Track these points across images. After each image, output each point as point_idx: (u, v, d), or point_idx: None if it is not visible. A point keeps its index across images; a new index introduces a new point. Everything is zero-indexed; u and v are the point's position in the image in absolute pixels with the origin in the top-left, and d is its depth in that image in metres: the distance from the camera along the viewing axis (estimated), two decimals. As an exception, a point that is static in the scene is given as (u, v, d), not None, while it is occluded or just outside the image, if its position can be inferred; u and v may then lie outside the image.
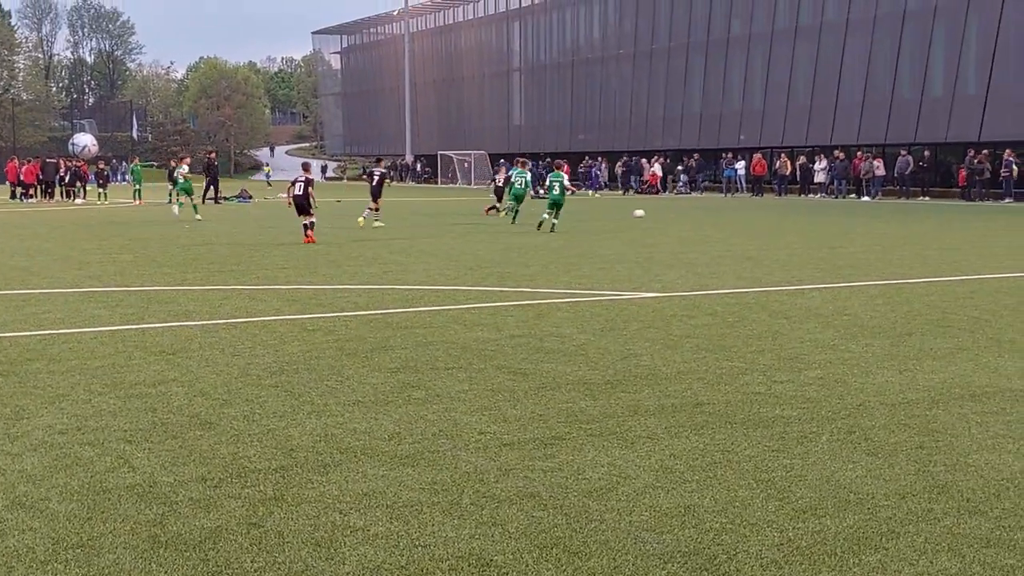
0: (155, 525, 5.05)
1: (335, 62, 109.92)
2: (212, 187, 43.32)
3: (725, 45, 59.77)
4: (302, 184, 23.21)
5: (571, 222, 28.78)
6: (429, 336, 10.37)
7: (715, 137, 59.88)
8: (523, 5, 78.63)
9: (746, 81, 58.76)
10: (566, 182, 26.84)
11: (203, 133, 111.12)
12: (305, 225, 22.60)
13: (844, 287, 14.57)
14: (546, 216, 26.10)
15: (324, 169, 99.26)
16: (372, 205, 27.98)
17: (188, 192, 32.38)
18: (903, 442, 6.49)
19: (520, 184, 29.84)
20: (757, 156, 53.73)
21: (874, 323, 11.22)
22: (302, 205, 23.01)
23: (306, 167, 24.16)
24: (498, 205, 33.18)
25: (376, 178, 28.81)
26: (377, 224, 27.22)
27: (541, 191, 32.01)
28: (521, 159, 33.55)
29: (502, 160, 50.19)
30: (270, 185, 69.41)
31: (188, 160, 34.05)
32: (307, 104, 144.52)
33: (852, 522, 5.08)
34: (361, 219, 27.64)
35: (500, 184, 35.14)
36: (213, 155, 47.04)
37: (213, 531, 4.97)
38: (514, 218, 28.89)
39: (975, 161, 44.31)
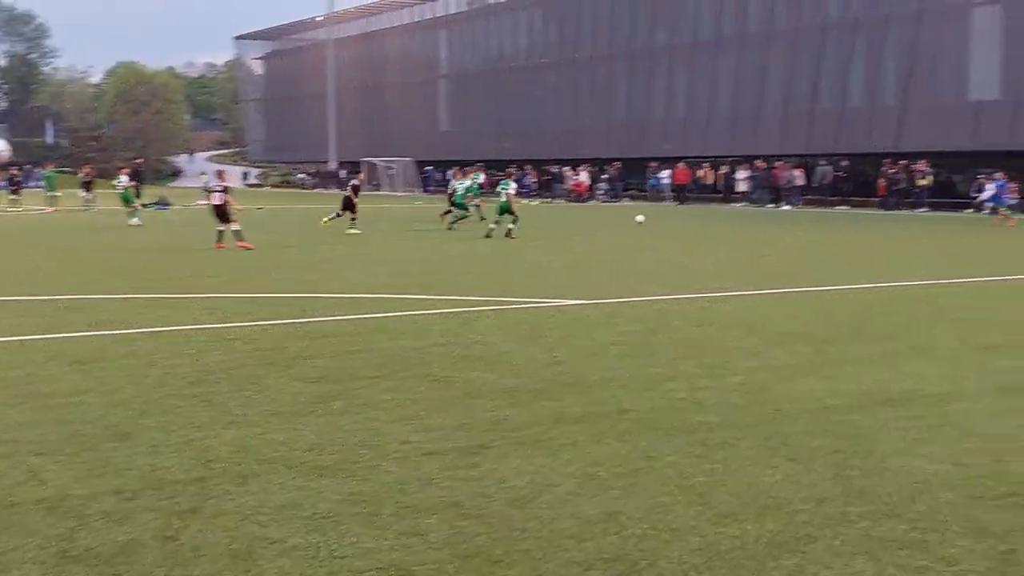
0: (65, 540, 4.91)
1: (257, 67, 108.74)
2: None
3: (649, 55, 60.31)
4: (219, 193, 23.18)
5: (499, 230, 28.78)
6: (352, 345, 10.27)
7: (640, 146, 60.34)
8: (449, 13, 78.59)
9: (670, 91, 59.34)
10: (511, 190, 26.90)
11: (120, 139, 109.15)
12: (220, 231, 22.51)
13: (767, 294, 14.75)
14: (494, 225, 26.22)
15: (245, 176, 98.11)
16: (352, 216, 28.77)
17: (127, 201, 33.01)
18: (822, 447, 6.56)
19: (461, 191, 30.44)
20: (680, 165, 54.28)
21: (796, 330, 11.37)
22: (223, 214, 22.99)
23: (220, 175, 24.12)
24: (466, 212, 32.47)
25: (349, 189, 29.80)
26: (353, 231, 28.05)
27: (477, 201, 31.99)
28: (474, 167, 34.19)
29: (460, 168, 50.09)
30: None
31: (127, 170, 34.66)
32: (228, 110, 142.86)
33: (771, 527, 5.12)
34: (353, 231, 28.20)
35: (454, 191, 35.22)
36: (140, 162, 46.62)
37: (126, 545, 4.85)
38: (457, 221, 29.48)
39: (893, 172, 45.25)
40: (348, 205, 29.01)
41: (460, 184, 30.88)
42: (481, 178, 33.23)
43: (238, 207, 23.58)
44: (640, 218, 32.74)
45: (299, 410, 7.53)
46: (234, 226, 22.61)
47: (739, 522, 5.17)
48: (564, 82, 66.35)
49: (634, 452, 6.43)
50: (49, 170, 47.89)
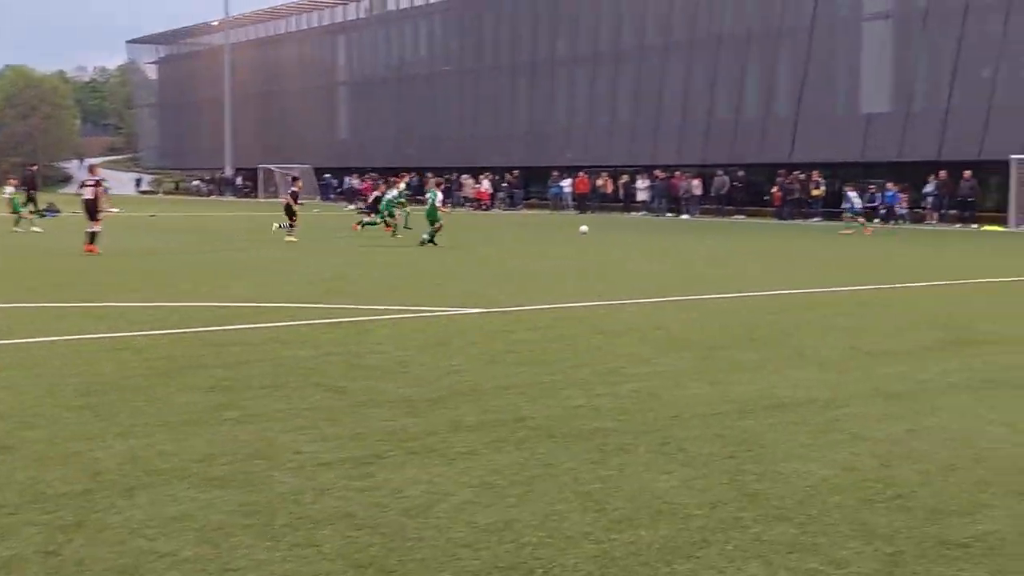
0: (-59, 558, 4.73)
1: (151, 72, 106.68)
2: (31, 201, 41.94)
3: (551, 65, 60.74)
4: (91, 187, 22.60)
5: (406, 239, 28.69)
6: (246, 354, 10.11)
7: (542, 155, 60.72)
8: (348, 19, 78.07)
9: (571, 101, 59.82)
10: (438, 201, 27.11)
11: (8, 145, 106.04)
12: (89, 233, 21.96)
13: (661, 302, 14.94)
14: (426, 236, 26.52)
15: (138, 182, 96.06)
16: (291, 223, 28.35)
17: (16, 209, 33.17)
18: (715, 452, 6.66)
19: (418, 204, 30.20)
20: (581, 175, 54.75)
21: (687, 337, 11.53)
22: (91, 210, 22.42)
23: (93, 169, 23.67)
24: (385, 221, 31.87)
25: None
26: (291, 239, 27.51)
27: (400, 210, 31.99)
28: (399, 176, 34.36)
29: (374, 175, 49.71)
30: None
31: (15, 179, 34.39)
32: (121, 115, 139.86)
33: (665, 532, 5.17)
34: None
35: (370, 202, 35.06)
36: (35, 168, 45.55)
37: (7, 561, 4.69)
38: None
39: (787, 182, 46.31)
40: (289, 212, 28.78)
41: (388, 193, 30.82)
42: (400, 186, 33.08)
43: (109, 207, 23.29)
44: (584, 228, 33.07)
45: (191, 420, 7.39)
46: (95, 227, 22.07)
47: (634, 528, 5.22)
48: (466, 90, 66.45)
49: (531, 460, 6.44)
50: None
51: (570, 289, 16.51)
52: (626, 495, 5.74)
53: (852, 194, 36.37)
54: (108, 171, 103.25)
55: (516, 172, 59.42)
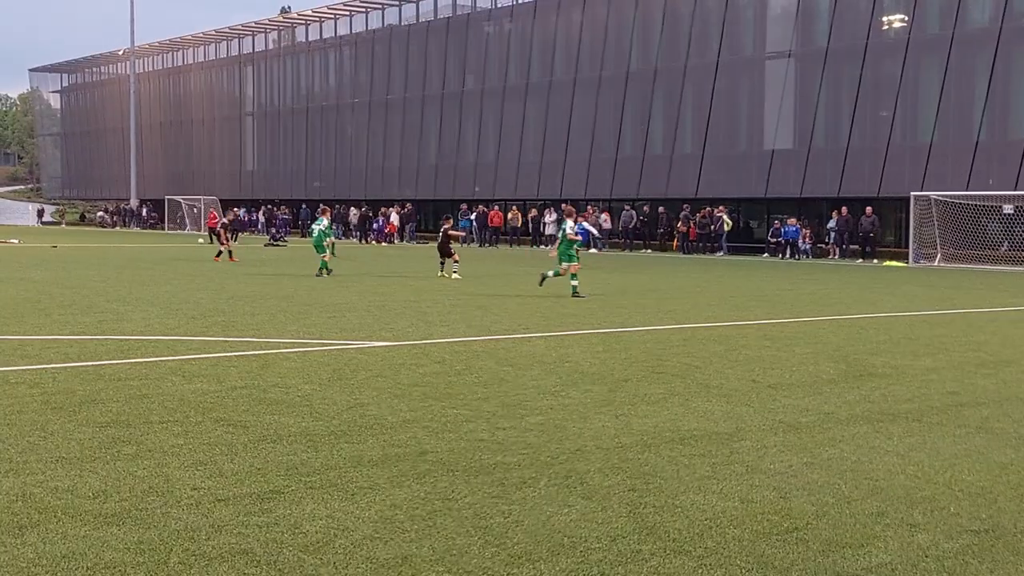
0: None
1: (54, 101, 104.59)
2: None
3: (459, 99, 61.06)
4: None
5: (302, 271, 28.42)
6: (144, 389, 9.90)
7: (451, 188, 60.87)
8: (255, 50, 77.57)
9: (481, 134, 60.16)
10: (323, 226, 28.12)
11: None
12: None
13: (567, 335, 15.02)
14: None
15: (40, 213, 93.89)
16: (453, 258, 27.24)
17: None
18: (616, 485, 6.70)
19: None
20: (495, 208, 54.95)
21: (594, 370, 11.61)
22: None
23: None
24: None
25: (441, 235, 27.84)
26: (455, 276, 26.57)
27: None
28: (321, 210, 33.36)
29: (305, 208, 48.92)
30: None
31: None
32: (23, 144, 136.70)
33: (565, 566, 5.17)
34: (454, 275, 26.67)
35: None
36: None
37: None
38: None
39: (700, 216, 47.09)
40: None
41: (315, 225, 29.76)
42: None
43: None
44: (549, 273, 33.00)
45: (85, 456, 7.20)
46: None
47: (533, 562, 5.21)
48: (375, 123, 66.43)
49: (432, 494, 6.41)
50: None
51: (475, 322, 16.51)
52: (526, 529, 5.74)
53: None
54: (8, 201, 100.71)
55: (409, 206, 59.73)
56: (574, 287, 21.48)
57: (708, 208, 47.50)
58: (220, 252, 33.91)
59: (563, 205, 32.27)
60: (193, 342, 13.50)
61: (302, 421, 8.53)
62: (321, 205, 38.25)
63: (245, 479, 6.69)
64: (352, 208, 60.20)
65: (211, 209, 56.51)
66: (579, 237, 22.81)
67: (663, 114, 51.53)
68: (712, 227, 46.56)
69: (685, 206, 48.30)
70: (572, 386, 10.48)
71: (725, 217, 46.00)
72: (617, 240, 50.38)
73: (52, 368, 11.07)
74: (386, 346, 13.46)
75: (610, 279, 28.90)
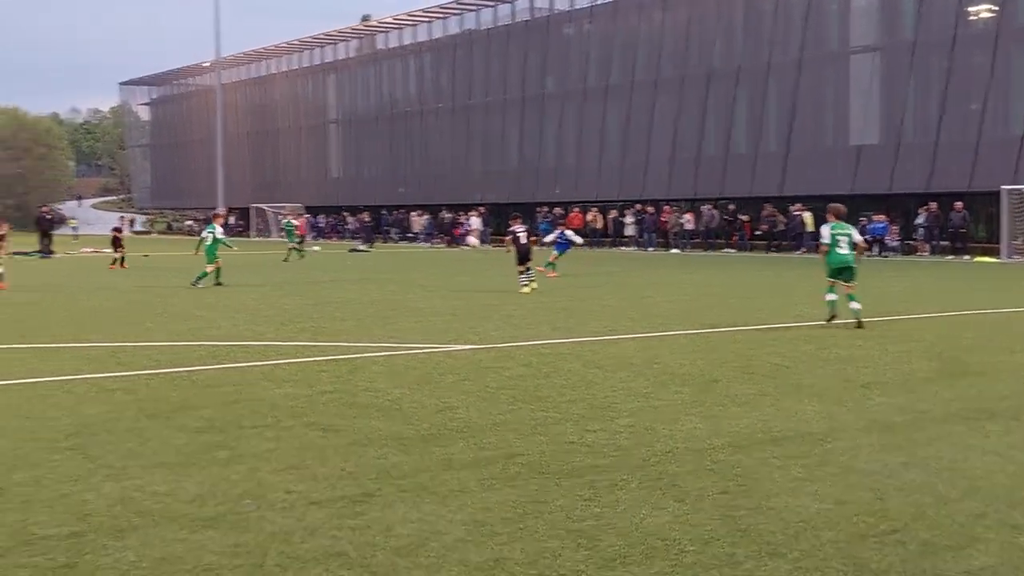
0: (-73, 604, 4.68)
1: (144, 113, 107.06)
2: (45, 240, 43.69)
3: (540, 101, 61.08)
4: None
5: (388, 274, 28.65)
6: (236, 394, 10.06)
7: (531, 191, 60.91)
8: (338, 58, 78.50)
9: (561, 137, 60.11)
10: (219, 234, 26.38)
11: (2, 186, 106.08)
12: None
13: (655, 336, 14.92)
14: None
15: (132, 223, 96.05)
16: (520, 268, 23.91)
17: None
18: (708, 487, 6.63)
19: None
20: (575, 210, 54.87)
21: (682, 371, 11.51)
22: None
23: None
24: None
25: (522, 238, 24.41)
26: (532, 287, 23.38)
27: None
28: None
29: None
30: (76, 239, 66.65)
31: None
32: (114, 156, 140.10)
33: (659, 569, 5.13)
34: (527, 288, 23.18)
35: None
36: (45, 209, 46.97)
37: (-7, 607, 4.65)
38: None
39: (767, 215, 46.52)
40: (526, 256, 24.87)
41: (208, 231, 26.88)
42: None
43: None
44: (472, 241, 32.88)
45: (182, 461, 7.34)
46: None
47: (626, 565, 5.18)
48: (456, 127, 66.76)
49: (523, 497, 6.40)
50: None
51: (560, 324, 16.49)
52: (618, 532, 5.70)
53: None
54: (99, 212, 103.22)
55: (482, 208, 60.05)
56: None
57: (799, 205, 46.58)
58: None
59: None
60: (283, 347, 13.69)
61: (392, 425, 8.59)
62: (216, 211, 38.74)
63: (337, 482, 6.76)
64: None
65: (301, 216, 57.56)
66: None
67: (746, 112, 50.94)
68: (788, 225, 45.92)
69: (766, 205, 47.71)
70: (661, 388, 10.40)
71: (805, 215, 45.25)
72: (700, 240, 49.95)
73: (146, 375, 11.31)
74: (472, 349, 13.50)
75: (695, 279, 28.64)
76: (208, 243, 26.05)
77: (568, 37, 60.52)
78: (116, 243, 35.78)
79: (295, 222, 43.21)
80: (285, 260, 38.44)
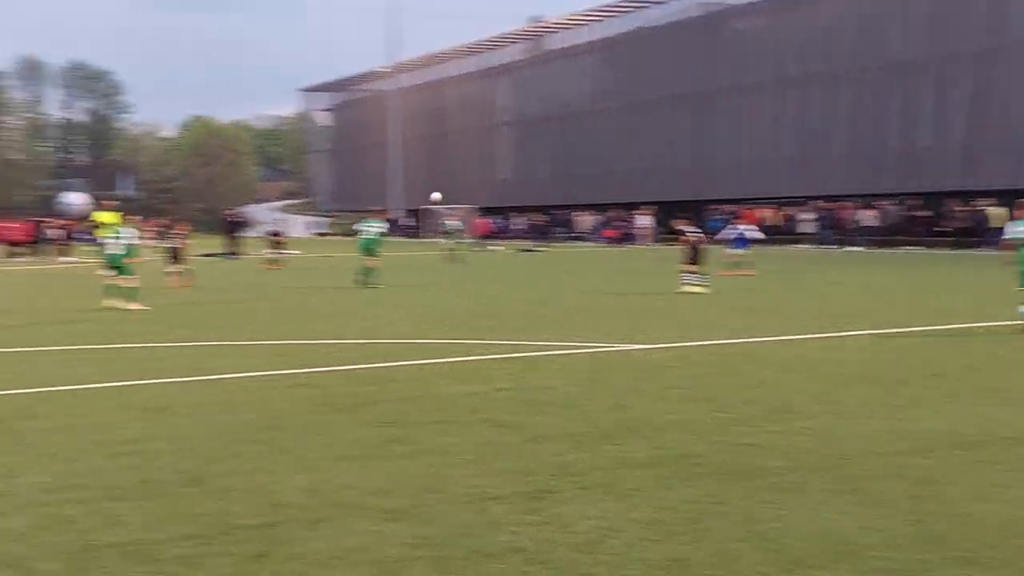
0: (139, 584, 4.98)
1: (323, 119, 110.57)
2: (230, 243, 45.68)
3: (712, 97, 60.31)
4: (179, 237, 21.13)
5: (558, 273, 28.78)
6: (415, 390, 10.32)
7: (702, 188, 60.20)
8: (508, 60, 79.36)
9: (733, 132, 59.17)
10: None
11: (192, 191, 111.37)
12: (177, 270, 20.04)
13: (835, 336, 14.56)
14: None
15: (314, 226, 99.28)
16: (693, 269, 22.84)
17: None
18: (894, 491, 6.45)
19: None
20: (748, 208, 53.99)
21: (865, 372, 11.21)
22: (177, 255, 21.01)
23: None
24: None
25: (694, 238, 23.26)
26: (700, 289, 22.33)
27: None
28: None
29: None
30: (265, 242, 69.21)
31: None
32: (296, 161, 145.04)
33: (844, 573, 5.02)
34: (694, 288, 22.30)
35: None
36: (230, 213, 48.83)
37: (198, 590, 4.91)
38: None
39: (956, 211, 44.73)
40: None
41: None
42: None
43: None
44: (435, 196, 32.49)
45: (366, 455, 7.58)
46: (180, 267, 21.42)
47: (812, 568, 5.09)
48: (626, 126, 66.53)
49: (702, 497, 6.37)
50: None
51: (735, 324, 16.25)
52: (802, 535, 5.61)
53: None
54: (284, 215, 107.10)
55: (655, 207, 59.43)
56: None
57: (973, 202, 44.70)
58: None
59: None
60: (457, 345, 13.94)
61: (567, 422, 8.66)
62: (374, 208, 37.70)
63: (516, 478, 6.86)
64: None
65: (479, 218, 58.58)
66: None
67: (932, 103, 49.05)
68: (973, 221, 44.04)
69: (951, 200, 45.86)
70: (843, 389, 10.15)
71: (992, 211, 43.26)
72: (880, 237, 48.38)
73: (330, 371, 11.70)
74: (646, 349, 13.46)
75: (877, 277, 27.78)
76: (367, 238, 26.53)
77: (741, 31, 59.57)
78: (275, 245, 37.82)
79: (459, 223, 44.20)
80: (451, 261, 39.14)
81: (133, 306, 19.58)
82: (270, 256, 37.36)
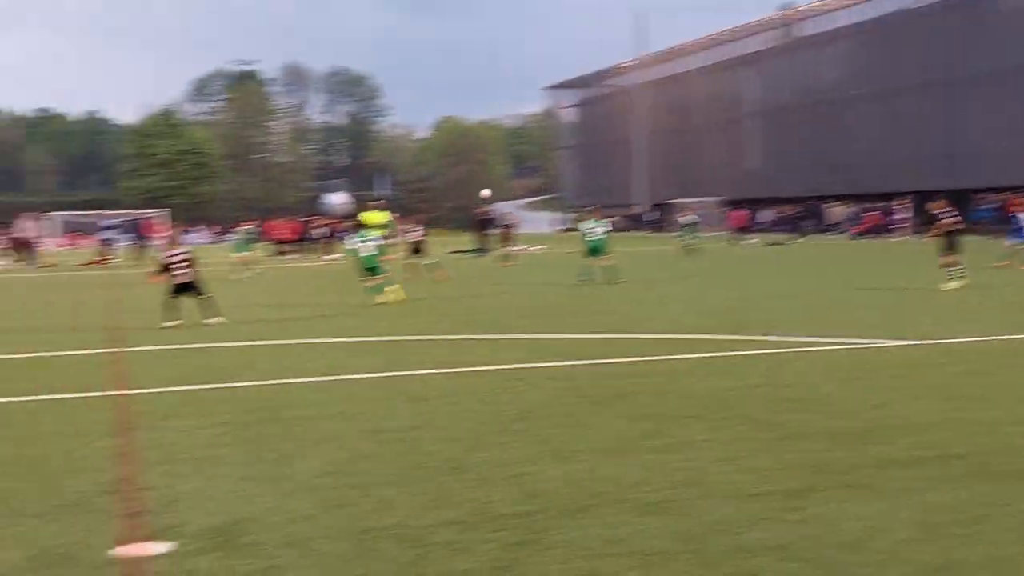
0: (413, 566, 5.26)
1: (568, 115, 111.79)
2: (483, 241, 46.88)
3: (968, 82, 57.15)
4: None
5: (805, 267, 28.03)
6: (668, 385, 10.34)
7: (963, 177, 57.13)
8: (754, 50, 77.83)
9: (991, 118, 55.85)
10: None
11: (443, 191, 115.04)
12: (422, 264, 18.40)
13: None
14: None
15: (559, 222, 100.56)
16: (953, 260, 21.33)
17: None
18: None
19: None
20: (1019, 195, 50.81)
21: None
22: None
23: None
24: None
25: (950, 224, 21.71)
26: (959, 283, 20.83)
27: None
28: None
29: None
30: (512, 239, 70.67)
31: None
32: (543, 158, 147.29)
33: None
34: (954, 284, 20.83)
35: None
36: (481, 211, 50.01)
37: (466, 573, 5.13)
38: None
39: None
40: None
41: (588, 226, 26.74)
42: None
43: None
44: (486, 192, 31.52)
45: (621, 447, 7.68)
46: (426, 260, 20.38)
47: (1096, 577, 4.82)
48: (880, 113, 63.98)
49: (971, 498, 6.12)
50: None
51: (1012, 319, 15.40)
52: (1086, 542, 5.31)
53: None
54: (527, 212, 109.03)
55: (910, 197, 56.53)
56: None
57: None
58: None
59: None
60: (709, 340, 13.84)
61: (824, 420, 8.48)
62: (593, 207, 36.17)
63: (774, 475, 6.79)
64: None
65: (738, 209, 57.84)
66: None
67: None
68: None
69: None
70: (1125, 389, 9.49)
71: None
72: None
73: (583, 364, 11.88)
74: (904, 345, 12.97)
75: None
76: (596, 240, 25.87)
77: (1006, 12, 56.12)
78: (506, 240, 38.87)
79: (694, 217, 44.00)
80: (687, 254, 38.98)
81: (387, 298, 20.53)
82: (505, 252, 38.02)
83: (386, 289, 20.85)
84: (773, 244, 50.73)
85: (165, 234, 34.93)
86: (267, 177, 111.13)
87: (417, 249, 29.53)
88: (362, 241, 21.87)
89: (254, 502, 6.47)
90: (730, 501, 6.23)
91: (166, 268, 17.88)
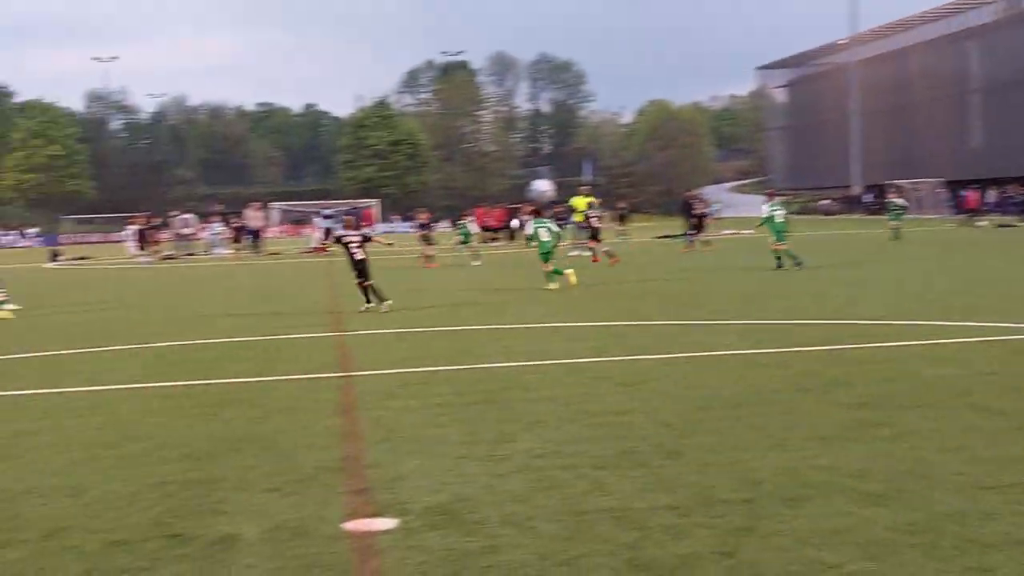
0: (631, 548, 5.27)
1: (780, 96, 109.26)
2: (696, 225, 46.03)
3: None
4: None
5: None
6: (889, 372, 9.97)
7: None
8: (978, 23, 73.94)
9: None
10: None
11: (649, 175, 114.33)
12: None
13: None
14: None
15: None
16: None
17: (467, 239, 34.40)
18: None
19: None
20: None
21: None
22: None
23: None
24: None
25: None
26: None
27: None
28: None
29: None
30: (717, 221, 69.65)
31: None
32: (751, 140, 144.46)
33: None
34: None
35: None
36: (690, 195, 49.04)
37: (686, 558, 5.10)
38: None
39: None
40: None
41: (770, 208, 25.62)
42: None
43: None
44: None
45: (840, 436, 7.46)
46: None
47: None
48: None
49: None
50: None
51: None
52: None
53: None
54: (736, 195, 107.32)
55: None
56: None
57: None
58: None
59: None
60: (932, 326, 13.26)
61: (1064, 411, 8.00)
62: (771, 188, 34.65)
63: (1008, 467, 6.46)
64: None
65: (972, 190, 55.08)
66: None
67: None
68: None
69: None
70: None
71: None
72: None
73: (797, 351, 11.56)
74: None
75: None
76: (781, 223, 25.03)
77: None
78: (699, 227, 37.12)
79: (903, 201, 41.93)
80: (896, 238, 36.87)
81: (560, 284, 20.90)
82: (703, 239, 37.17)
83: (565, 272, 21.07)
84: (1003, 227, 48.16)
85: (422, 218, 35.90)
86: (475, 166, 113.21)
87: (595, 236, 29.83)
88: (538, 227, 22.14)
89: (473, 481, 6.62)
90: (962, 493, 5.96)
91: (339, 241, 18.69)
